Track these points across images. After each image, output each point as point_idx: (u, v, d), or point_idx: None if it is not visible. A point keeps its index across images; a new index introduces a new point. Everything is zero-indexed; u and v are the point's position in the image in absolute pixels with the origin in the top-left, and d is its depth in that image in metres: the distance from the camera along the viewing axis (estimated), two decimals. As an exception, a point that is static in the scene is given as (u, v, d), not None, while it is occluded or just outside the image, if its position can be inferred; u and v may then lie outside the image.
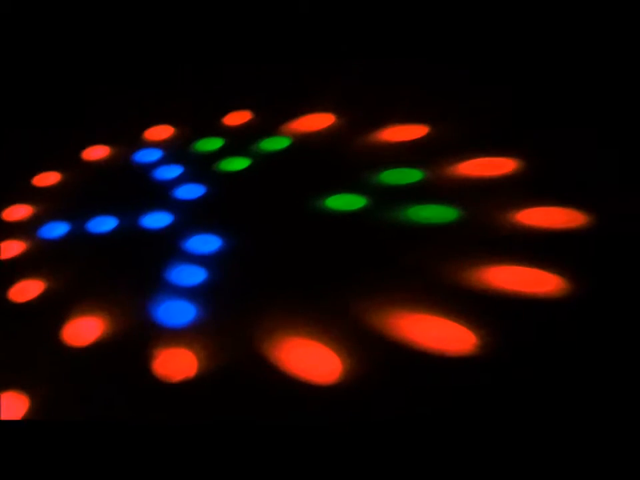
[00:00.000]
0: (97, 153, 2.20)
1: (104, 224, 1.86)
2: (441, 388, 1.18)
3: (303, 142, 2.01)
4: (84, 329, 1.51)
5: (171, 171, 2.01)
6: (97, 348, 1.46)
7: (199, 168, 2.00)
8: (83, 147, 2.22)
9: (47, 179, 2.13)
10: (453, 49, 2.16)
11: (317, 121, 2.08)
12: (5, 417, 1.34)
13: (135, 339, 1.46)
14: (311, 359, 1.30)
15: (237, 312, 1.46)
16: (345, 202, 1.71)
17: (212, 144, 2.10)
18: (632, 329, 1.17)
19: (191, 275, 1.61)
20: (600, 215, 1.41)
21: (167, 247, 1.72)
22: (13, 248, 1.86)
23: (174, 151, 2.11)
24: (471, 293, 1.35)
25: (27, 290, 1.68)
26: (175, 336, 1.44)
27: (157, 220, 1.83)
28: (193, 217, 1.81)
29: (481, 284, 1.36)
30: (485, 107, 1.88)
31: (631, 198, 1.43)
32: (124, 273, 1.68)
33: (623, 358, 1.13)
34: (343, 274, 1.48)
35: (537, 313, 1.26)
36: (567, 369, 1.14)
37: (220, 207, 1.83)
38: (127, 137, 2.21)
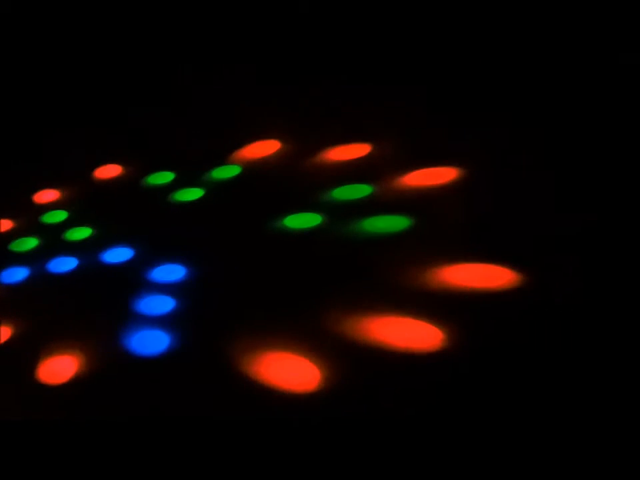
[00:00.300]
0: (47, 195, 2.18)
1: (64, 264, 1.86)
2: (417, 386, 1.25)
3: (253, 168, 2.07)
4: (60, 367, 1.51)
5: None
6: (76, 384, 1.46)
7: (155, 201, 2.03)
8: (34, 190, 2.20)
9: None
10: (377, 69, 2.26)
11: (264, 148, 2.15)
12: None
13: (114, 371, 1.47)
14: (290, 370, 1.35)
15: (210, 335, 1.50)
16: (302, 221, 1.78)
17: (163, 177, 2.13)
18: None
19: (159, 304, 1.63)
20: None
21: (131, 279, 1.73)
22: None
23: (126, 187, 2.13)
24: (430, 292, 1.44)
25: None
26: (153, 364, 1.46)
27: (118, 255, 1.84)
28: (154, 249, 1.83)
29: (438, 283, 1.45)
30: (417, 121, 1.99)
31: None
32: (92, 308, 1.68)
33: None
34: (309, 287, 1.54)
35: (493, 306, 1.35)
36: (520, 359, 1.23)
37: (180, 236, 1.86)
38: (77, 177, 2.21)
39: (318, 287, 1.53)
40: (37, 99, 2.60)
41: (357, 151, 2.00)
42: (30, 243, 1.97)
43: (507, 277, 1.40)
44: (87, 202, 2.09)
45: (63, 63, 2.69)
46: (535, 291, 1.35)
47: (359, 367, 1.31)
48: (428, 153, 1.87)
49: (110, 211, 2.03)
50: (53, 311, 1.71)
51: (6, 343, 1.64)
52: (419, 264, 1.51)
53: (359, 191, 1.83)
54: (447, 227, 1.60)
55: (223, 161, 2.14)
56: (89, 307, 1.69)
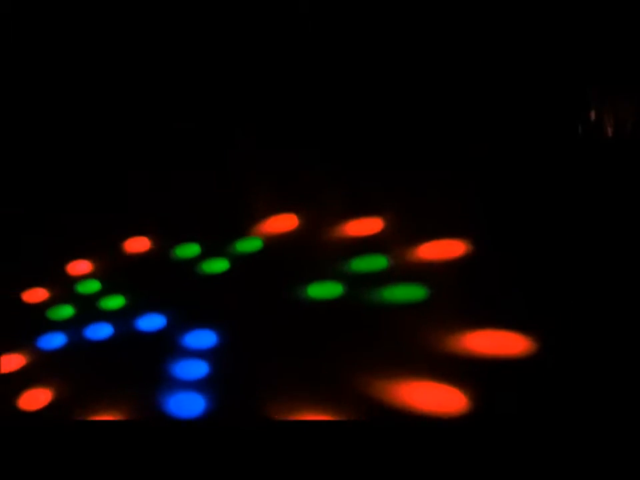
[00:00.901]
0: (80, 266, 2.28)
1: (100, 331, 1.94)
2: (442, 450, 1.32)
3: (274, 241, 2.18)
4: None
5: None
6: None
7: (182, 272, 2.13)
8: (66, 261, 2.29)
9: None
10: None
11: (282, 222, 2.26)
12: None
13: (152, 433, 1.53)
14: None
15: (245, 394, 1.57)
16: (324, 290, 1.88)
17: (190, 249, 2.23)
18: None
19: (193, 369, 1.71)
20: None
21: (165, 345, 1.81)
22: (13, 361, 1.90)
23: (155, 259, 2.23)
24: (450, 357, 1.53)
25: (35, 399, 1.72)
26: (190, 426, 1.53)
27: (151, 322, 1.92)
28: (186, 317, 1.92)
29: (457, 349, 1.54)
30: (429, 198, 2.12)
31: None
32: (129, 373, 1.75)
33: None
34: (337, 351, 1.63)
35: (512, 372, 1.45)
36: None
37: (210, 304, 1.95)
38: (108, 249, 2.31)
39: (344, 350, 1.63)
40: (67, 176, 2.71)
41: (371, 225, 2.12)
42: (66, 311, 2.05)
43: (521, 343, 1.50)
44: (118, 273, 2.18)
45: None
46: (549, 356, 1.45)
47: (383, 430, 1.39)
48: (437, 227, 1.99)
49: (141, 281, 2.12)
50: (90, 376, 1.77)
51: (45, 408, 1.70)
52: (437, 331, 1.61)
53: (376, 262, 1.94)
54: (461, 296, 1.71)
55: (244, 233, 2.24)
56: (125, 372, 1.76)
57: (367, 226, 2.12)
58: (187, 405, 1.59)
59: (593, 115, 2.06)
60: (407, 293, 1.79)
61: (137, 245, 2.33)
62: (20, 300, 2.17)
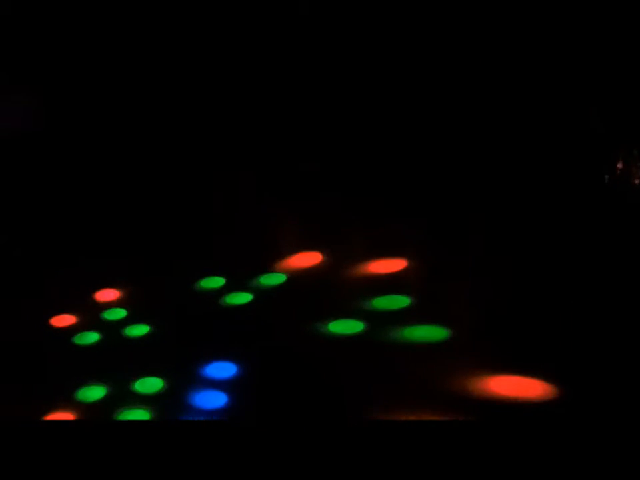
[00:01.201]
0: (107, 295, 2.31)
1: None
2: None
3: (297, 277, 2.20)
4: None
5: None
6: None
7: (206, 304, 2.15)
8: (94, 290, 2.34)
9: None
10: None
11: (306, 258, 2.29)
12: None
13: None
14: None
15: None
16: (345, 326, 1.89)
17: (215, 282, 2.26)
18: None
19: (214, 399, 1.72)
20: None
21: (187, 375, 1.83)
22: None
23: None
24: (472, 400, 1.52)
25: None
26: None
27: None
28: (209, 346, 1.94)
29: (477, 392, 1.53)
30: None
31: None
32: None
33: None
34: (357, 390, 1.63)
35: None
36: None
37: (232, 336, 1.97)
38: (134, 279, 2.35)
39: (363, 387, 1.62)
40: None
41: (393, 264, 2.13)
42: (91, 337, 2.08)
43: (540, 389, 1.48)
44: (144, 302, 2.22)
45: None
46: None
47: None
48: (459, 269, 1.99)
49: (166, 311, 2.15)
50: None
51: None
52: (458, 372, 1.60)
53: (398, 302, 1.94)
54: (482, 338, 1.70)
55: (269, 269, 2.27)
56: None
57: (390, 265, 2.13)
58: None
59: (619, 165, 2.07)
60: (428, 333, 1.79)
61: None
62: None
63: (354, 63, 2.65)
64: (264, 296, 2.14)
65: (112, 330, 2.11)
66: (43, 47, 3.00)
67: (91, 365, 1.97)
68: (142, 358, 1.96)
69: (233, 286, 2.23)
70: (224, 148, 2.77)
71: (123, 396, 1.82)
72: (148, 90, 2.94)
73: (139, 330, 2.08)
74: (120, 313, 2.19)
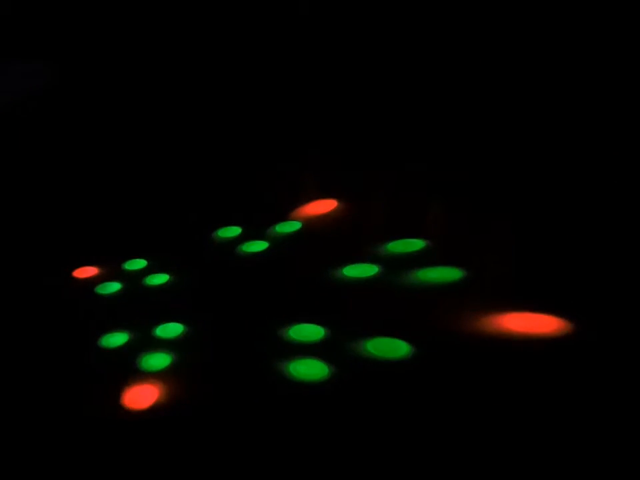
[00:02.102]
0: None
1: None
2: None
3: (313, 224, 2.18)
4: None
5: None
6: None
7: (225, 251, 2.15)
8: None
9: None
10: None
11: (322, 206, 2.26)
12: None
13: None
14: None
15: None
16: (360, 271, 1.87)
17: (232, 231, 2.26)
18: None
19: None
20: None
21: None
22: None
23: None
24: (487, 338, 1.50)
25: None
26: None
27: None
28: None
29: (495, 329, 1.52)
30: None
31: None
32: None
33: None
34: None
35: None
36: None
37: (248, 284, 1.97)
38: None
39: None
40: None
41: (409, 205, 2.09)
42: (114, 287, 2.11)
43: (555, 323, 1.46)
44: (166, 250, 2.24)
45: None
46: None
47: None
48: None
49: (187, 259, 2.16)
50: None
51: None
52: (473, 312, 1.58)
53: (413, 245, 1.91)
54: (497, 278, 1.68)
55: (285, 217, 2.25)
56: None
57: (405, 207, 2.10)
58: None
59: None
60: (442, 274, 1.77)
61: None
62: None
63: (354, 63, 2.61)
64: (280, 243, 2.13)
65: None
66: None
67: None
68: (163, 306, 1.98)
69: (249, 235, 2.22)
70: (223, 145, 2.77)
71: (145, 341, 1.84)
72: (148, 90, 2.95)
73: (159, 279, 2.09)
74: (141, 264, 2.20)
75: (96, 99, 3.17)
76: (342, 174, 2.40)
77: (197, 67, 2.94)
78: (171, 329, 1.84)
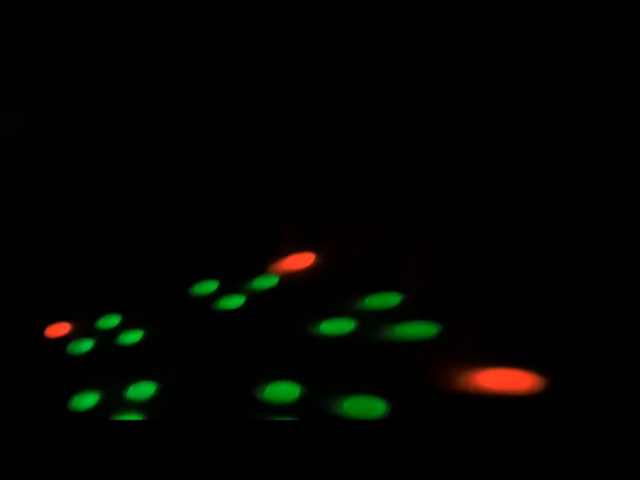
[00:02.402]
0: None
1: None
2: None
3: (290, 278, 2.16)
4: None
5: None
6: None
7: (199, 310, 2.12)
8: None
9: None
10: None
11: (300, 260, 2.24)
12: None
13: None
14: None
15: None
16: (337, 326, 1.85)
17: (208, 287, 2.23)
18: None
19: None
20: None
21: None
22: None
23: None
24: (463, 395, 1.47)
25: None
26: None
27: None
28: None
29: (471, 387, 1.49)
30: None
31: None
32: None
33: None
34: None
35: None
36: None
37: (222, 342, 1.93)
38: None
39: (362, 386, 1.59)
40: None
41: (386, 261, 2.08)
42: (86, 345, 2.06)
43: (529, 381, 1.44)
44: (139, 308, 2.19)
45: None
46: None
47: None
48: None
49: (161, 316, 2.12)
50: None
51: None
52: (450, 368, 1.56)
53: (389, 299, 1.89)
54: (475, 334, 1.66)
55: (262, 271, 2.23)
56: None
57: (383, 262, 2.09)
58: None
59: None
60: (419, 330, 1.74)
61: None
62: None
63: (354, 63, 2.62)
64: (256, 298, 2.10)
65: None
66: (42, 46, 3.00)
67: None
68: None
69: (225, 290, 2.19)
70: (217, 148, 2.74)
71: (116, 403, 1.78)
72: (147, 90, 2.93)
73: (133, 337, 2.05)
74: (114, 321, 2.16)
75: (72, 142, 3.11)
76: (321, 225, 2.38)
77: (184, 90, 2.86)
78: (142, 389, 1.78)
